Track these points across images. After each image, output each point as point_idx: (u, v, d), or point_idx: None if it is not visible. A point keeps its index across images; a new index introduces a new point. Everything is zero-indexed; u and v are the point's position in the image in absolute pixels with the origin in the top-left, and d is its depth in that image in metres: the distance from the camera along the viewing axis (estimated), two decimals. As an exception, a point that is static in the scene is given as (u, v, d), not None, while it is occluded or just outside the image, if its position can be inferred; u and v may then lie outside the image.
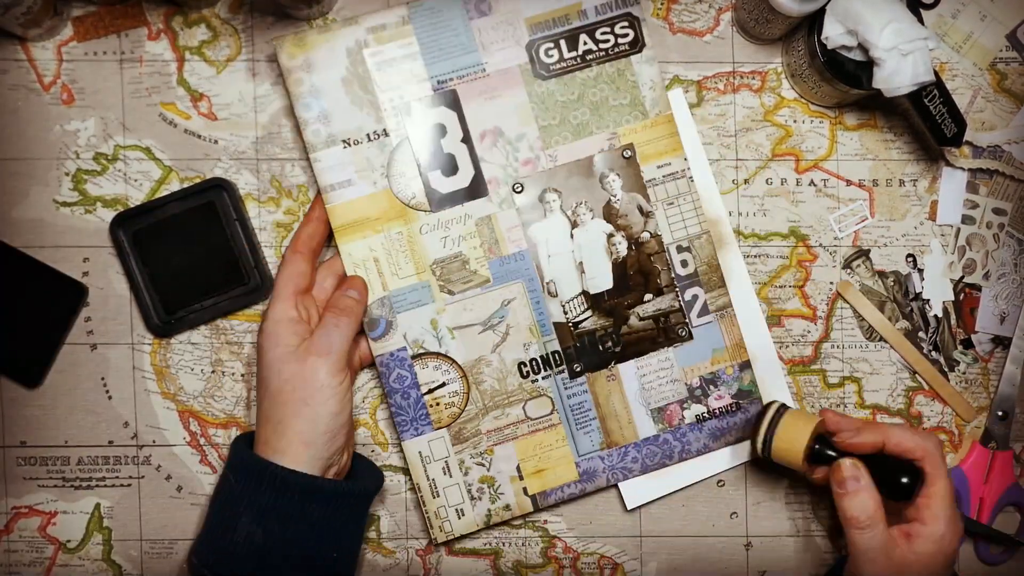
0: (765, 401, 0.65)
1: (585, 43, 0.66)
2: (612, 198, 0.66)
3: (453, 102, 0.65)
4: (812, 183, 0.69)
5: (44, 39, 0.67)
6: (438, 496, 0.65)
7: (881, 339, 0.69)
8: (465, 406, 0.65)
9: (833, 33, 0.62)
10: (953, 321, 0.69)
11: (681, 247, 0.66)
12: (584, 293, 0.66)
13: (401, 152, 0.65)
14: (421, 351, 0.65)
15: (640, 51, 0.66)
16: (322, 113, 0.64)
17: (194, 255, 0.66)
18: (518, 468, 0.66)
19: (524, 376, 0.66)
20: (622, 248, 0.66)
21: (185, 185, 0.66)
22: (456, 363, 0.65)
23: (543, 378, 0.66)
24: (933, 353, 0.69)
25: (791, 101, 0.69)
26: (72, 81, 0.67)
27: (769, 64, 0.69)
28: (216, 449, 0.67)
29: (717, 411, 0.67)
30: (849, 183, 0.69)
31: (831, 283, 0.69)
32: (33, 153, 0.67)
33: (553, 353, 0.66)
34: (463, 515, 0.66)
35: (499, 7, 0.65)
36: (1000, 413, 0.69)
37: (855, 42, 0.61)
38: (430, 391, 0.65)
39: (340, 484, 0.60)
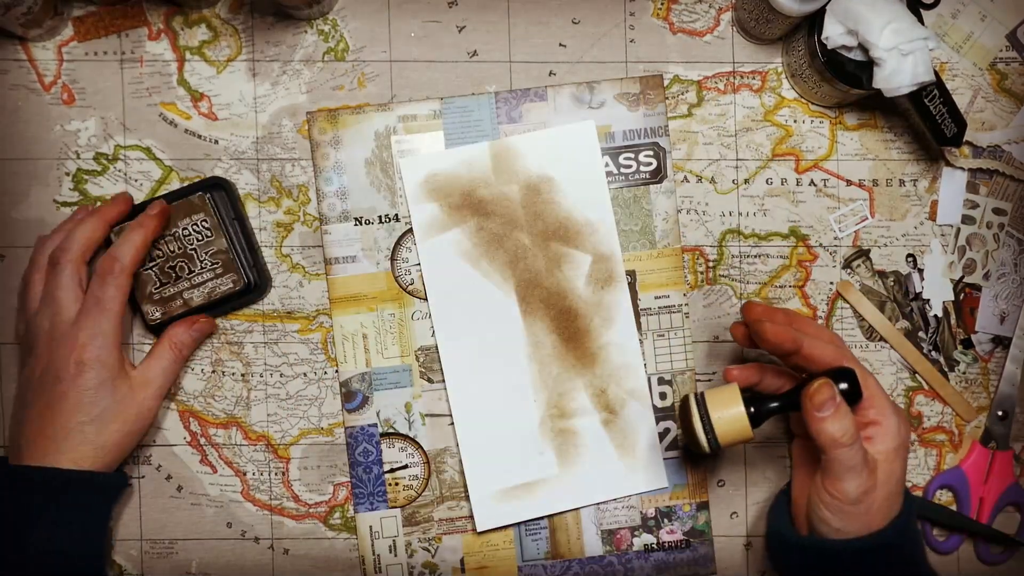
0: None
1: (607, 165, 0.67)
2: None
3: None
4: (812, 183, 0.69)
5: (44, 39, 0.67)
6: (380, 572, 0.66)
7: (881, 339, 0.69)
8: (422, 491, 0.66)
9: (833, 33, 0.62)
10: (953, 321, 0.69)
11: (663, 379, 0.67)
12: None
13: (408, 239, 0.66)
14: (391, 431, 0.66)
15: (660, 182, 0.67)
16: (341, 189, 0.66)
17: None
18: (462, 561, 0.66)
19: None
20: None
21: (184, 185, 0.66)
22: (422, 449, 0.66)
23: None
24: (933, 353, 0.69)
25: (791, 101, 0.69)
26: (72, 81, 0.67)
27: (769, 64, 0.69)
28: (216, 449, 0.67)
29: (666, 544, 0.67)
30: (849, 183, 0.69)
31: (831, 283, 0.69)
32: (34, 153, 0.67)
33: None
34: None
35: (529, 117, 0.67)
36: (1000, 413, 0.69)
37: (855, 42, 0.61)
38: (392, 470, 0.66)
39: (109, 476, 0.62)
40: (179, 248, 0.65)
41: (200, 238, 0.65)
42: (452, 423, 0.66)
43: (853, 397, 0.56)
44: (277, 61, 0.67)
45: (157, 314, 0.65)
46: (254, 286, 0.66)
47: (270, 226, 0.67)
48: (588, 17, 0.68)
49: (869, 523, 0.56)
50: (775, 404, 0.57)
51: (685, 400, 0.58)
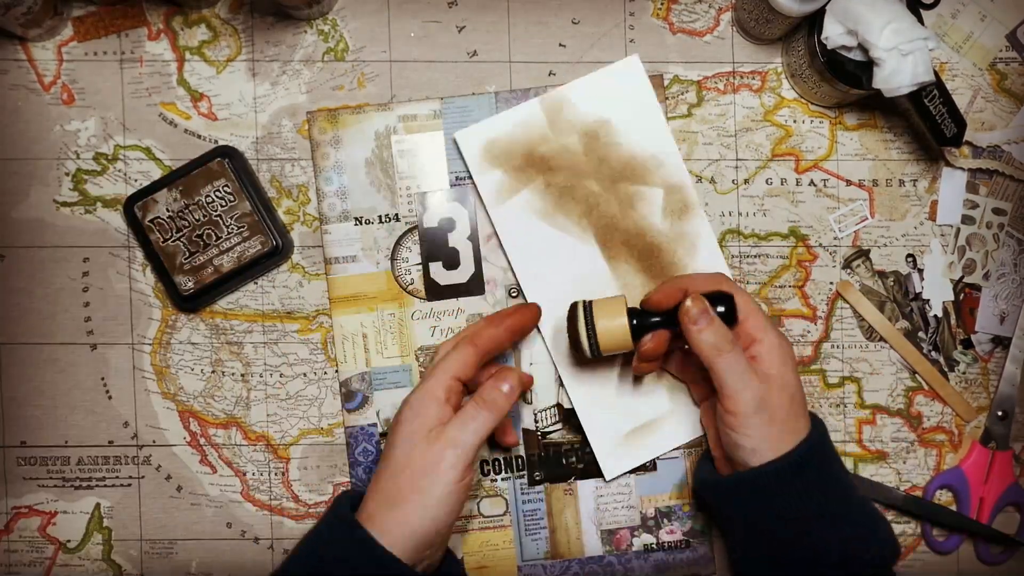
0: None
1: None
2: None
3: (467, 200, 0.67)
4: (812, 183, 0.69)
5: (44, 39, 0.67)
6: None
7: (881, 339, 0.69)
8: None
9: (833, 33, 0.62)
10: (953, 321, 0.69)
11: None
12: (558, 406, 0.67)
13: (408, 238, 0.67)
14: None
15: None
16: (341, 189, 0.66)
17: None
18: (462, 561, 0.66)
19: (484, 474, 0.67)
20: None
21: (193, 159, 0.66)
22: None
23: (502, 479, 0.66)
24: (933, 353, 0.69)
25: (791, 101, 0.69)
26: (72, 81, 0.67)
27: (769, 64, 0.69)
28: (216, 449, 0.67)
29: (666, 544, 0.67)
30: (849, 183, 0.69)
31: (831, 283, 0.69)
32: (33, 153, 0.67)
33: (517, 457, 0.66)
34: None
35: None
36: (1000, 413, 0.69)
37: (855, 42, 0.61)
38: None
39: None
40: (204, 216, 0.65)
41: (224, 203, 0.65)
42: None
43: (729, 319, 0.59)
44: (277, 61, 0.67)
45: (190, 284, 0.65)
46: (275, 247, 0.65)
47: (270, 226, 0.67)
48: (588, 17, 0.68)
49: (779, 443, 0.57)
50: (656, 319, 0.60)
51: (573, 307, 0.61)
